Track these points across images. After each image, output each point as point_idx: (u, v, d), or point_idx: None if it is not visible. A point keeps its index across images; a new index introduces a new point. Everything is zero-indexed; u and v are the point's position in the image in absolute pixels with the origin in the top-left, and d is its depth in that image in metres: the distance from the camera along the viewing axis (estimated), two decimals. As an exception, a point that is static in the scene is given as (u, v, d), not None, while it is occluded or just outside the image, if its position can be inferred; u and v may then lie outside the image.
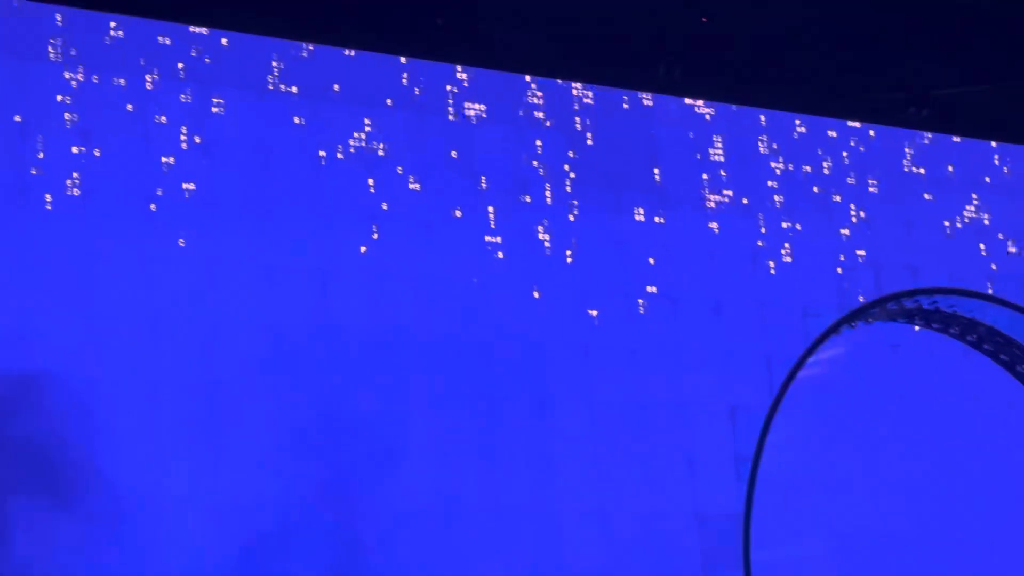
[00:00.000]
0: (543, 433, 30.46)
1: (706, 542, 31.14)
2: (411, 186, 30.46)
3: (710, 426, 32.14)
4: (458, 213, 30.59)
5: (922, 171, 36.29)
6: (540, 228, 31.66)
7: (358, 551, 28.04)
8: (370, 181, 29.93)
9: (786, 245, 34.74)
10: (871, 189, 35.45)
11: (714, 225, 33.75)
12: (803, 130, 35.01)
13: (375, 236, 29.73)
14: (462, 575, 28.79)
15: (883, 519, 33.86)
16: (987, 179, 36.89)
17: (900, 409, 34.86)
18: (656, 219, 32.71)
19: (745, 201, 33.90)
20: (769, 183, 34.36)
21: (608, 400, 31.24)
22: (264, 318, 28.42)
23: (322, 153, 29.38)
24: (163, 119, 27.83)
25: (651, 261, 32.41)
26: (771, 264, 33.81)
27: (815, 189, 34.69)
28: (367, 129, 30.17)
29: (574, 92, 32.30)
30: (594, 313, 31.75)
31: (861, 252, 34.79)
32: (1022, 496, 35.46)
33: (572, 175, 32.15)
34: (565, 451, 30.65)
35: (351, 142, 29.88)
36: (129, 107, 27.41)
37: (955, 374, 36.09)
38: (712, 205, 33.60)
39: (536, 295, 31.18)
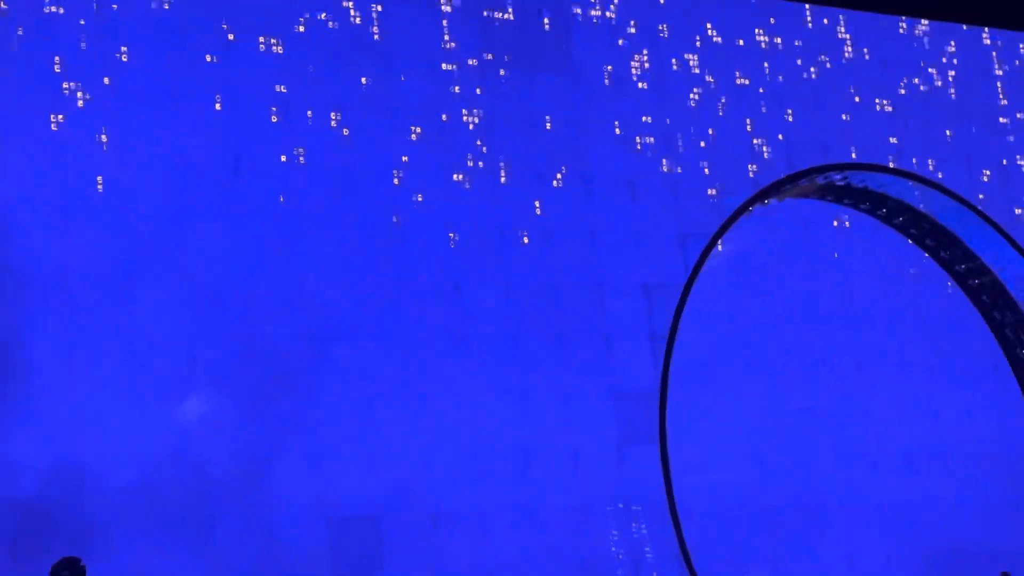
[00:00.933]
0: (458, 315, 30.66)
1: (623, 418, 31.60)
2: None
3: (626, 305, 32.43)
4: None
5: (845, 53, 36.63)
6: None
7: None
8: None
9: (693, 127, 34.98)
10: (779, 75, 35.66)
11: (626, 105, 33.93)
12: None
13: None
14: (388, 457, 29.17)
15: (796, 392, 34.50)
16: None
17: (813, 284, 35.34)
18: (568, 97, 32.87)
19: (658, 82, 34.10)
20: (677, 63, 34.51)
21: (523, 280, 31.42)
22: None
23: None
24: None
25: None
26: (680, 144, 34.02)
27: (736, 73, 34.88)
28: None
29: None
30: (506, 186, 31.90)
31: (776, 132, 35.11)
32: (929, 363, 36.31)
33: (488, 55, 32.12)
34: (481, 333, 30.88)
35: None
36: None
37: (867, 249, 36.59)
38: (624, 85, 33.74)
39: (457, 178, 31.21)
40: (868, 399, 35.36)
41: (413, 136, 30.98)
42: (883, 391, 35.36)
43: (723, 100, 34.46)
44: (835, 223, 36.31)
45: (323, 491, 28.43)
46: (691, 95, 34.19)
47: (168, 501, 26.91)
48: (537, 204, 31.85)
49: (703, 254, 32.97)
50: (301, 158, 29.75)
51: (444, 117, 31.43)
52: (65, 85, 27.94)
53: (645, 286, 32.46)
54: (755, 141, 34.66)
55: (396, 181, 30.68)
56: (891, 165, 35.92)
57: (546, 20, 33.03)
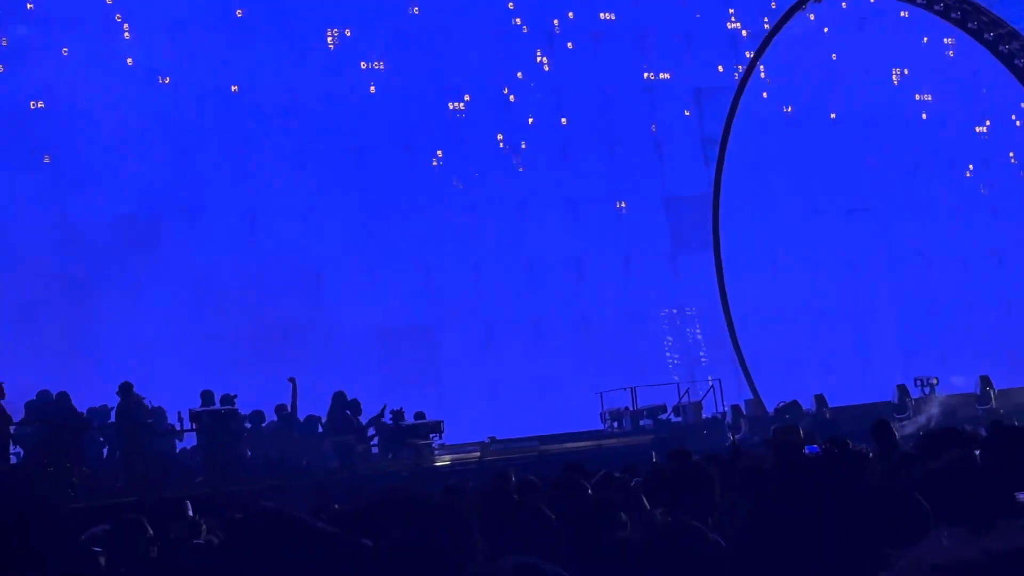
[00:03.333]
0: (509, 124, 30.38)
1: (675, 223, 31.42)
2: None
3: (676, 110, 31.95)
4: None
5: None
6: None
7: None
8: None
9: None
10: None
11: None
12: None
13: None
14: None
15: (851, 193, 34.04)
16: None
17: (869, 84, 34.55)
18: None
19: None
20: None
21: (574, 86, 30.99)
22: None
23: None
24: None
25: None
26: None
27: None
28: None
29: None
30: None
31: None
32: (988, 161, 35.70)
33: None
34: (531, 141, 30.66)
35: None
36: None
37: (928, 47, 35.59)
38: None
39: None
40: (920, 199, 34.90)
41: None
42: (937, 193, 34.88)
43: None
44: (893, 20, 35.29)
45: (378, 302, 28.64)
46: None
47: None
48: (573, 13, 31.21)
49: (756, 54, 32.21)
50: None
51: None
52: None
53: (697, 90, 31.92)
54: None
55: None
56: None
57: None
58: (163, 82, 28.25)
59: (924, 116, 34.96)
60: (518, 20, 31.04)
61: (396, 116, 29.72)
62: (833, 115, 34.02)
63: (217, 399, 20.28)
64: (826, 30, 34.19)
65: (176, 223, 28.11)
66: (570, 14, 31.29)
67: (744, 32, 32.89)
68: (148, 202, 27.60)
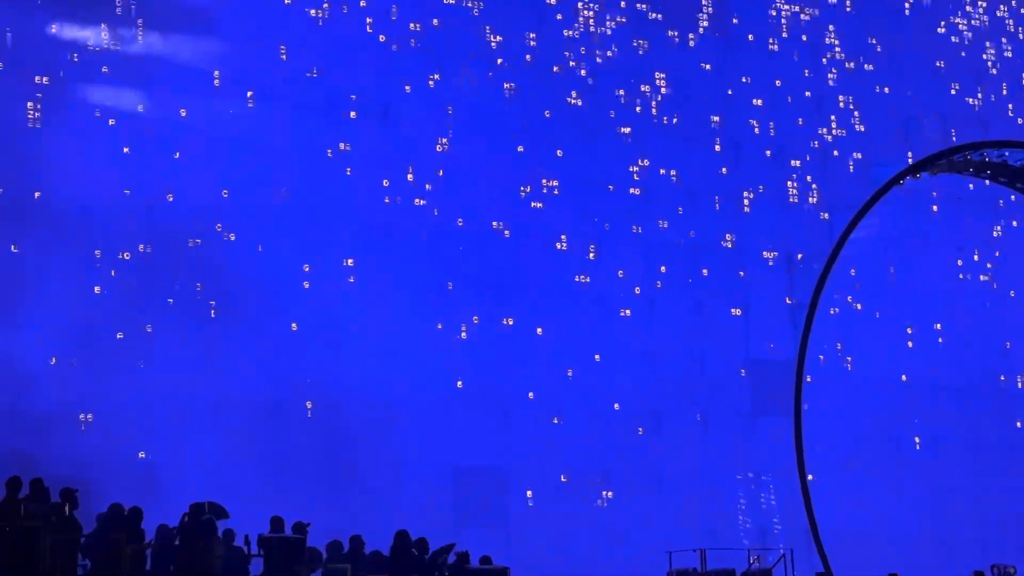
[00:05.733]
0: (597, 276, 30.52)
1: (756, 386, 31.19)
2: None
3: (766, 274, 31.93)
4: None
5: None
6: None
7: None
8: None
9: (849, 98, 34.20)
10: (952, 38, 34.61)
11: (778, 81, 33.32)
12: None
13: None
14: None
15: (934, 366, 33.67)
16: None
17: (959, 263, 34.38)
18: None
19: (805, 38, 33.39)
20: (828, 38, 33.74)
21: (662, 241, 31.14)
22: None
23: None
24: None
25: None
26: (832, 118, 33.26)
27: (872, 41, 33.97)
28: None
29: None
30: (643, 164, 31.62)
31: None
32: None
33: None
34: (621, 294, 30.74)
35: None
36: None
37: (1019, 230, 35.45)
38: (775, 48, 33.12)
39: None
40: (1004, 384, 34.48)
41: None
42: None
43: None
44: (987, 200, 35.25)
45: (454, 441, 28.69)
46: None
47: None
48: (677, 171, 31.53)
49: (850, 225, 32.26)
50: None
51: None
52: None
53: (789, 255, 31.92)
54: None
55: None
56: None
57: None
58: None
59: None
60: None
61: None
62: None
63: (288, 527, 20.14)
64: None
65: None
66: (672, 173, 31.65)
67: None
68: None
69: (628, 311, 30.87)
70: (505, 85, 30.70)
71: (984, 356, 34.27)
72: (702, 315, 31.32)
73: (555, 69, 31.08)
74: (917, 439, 33.38)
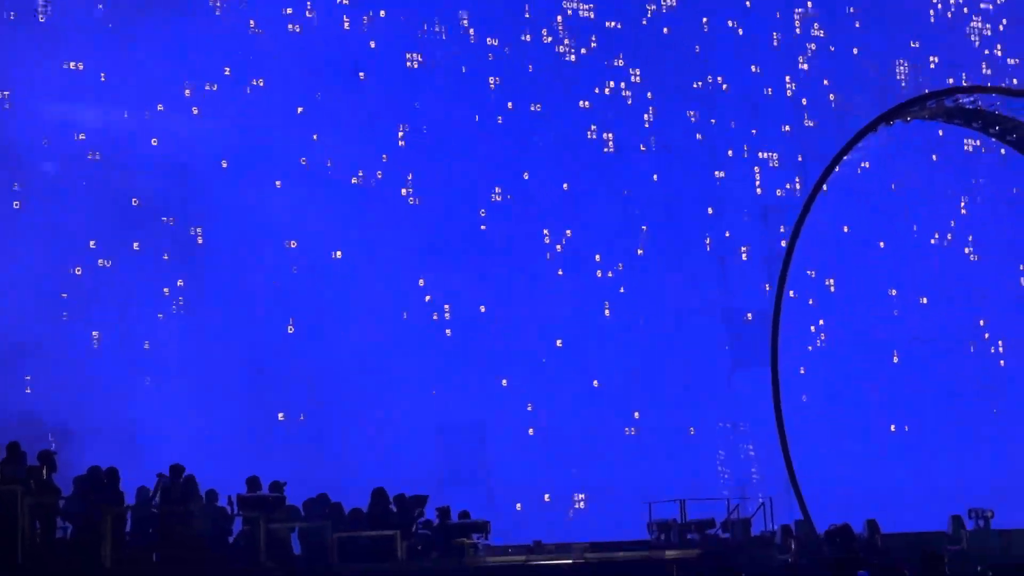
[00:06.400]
0: (573, 228, 30.53)
1: (735, 338, 31.32)
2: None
3: (741, 224, 31.99)
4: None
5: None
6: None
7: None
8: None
9: (812, 46, 34.06)
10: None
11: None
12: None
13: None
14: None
15: (909, 319, 33.83)
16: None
17: (934, 210, 34.48)
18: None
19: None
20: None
21: (637, 195, 31.16)
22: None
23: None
24: None
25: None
26: (802, 61, 33.19)
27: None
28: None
29: None
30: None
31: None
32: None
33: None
34: (606, 252, 30.81)
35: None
36: None
37: (992, 176, 35.52)
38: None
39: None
40: (978, 330, 34.69)
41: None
42: (1004, 323, 34.63)
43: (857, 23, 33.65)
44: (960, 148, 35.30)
45: (435, 397, 28.74)
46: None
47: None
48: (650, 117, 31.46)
49: (824, 173, 32.21)
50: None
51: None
52: None
53: (764, 207, 31.98)
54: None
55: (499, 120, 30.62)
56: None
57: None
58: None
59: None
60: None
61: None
62: (882, 244, 33.89)
63: (265, 486, 20.13)
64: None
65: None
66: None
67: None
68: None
69: (610, 273, 30.97)
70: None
71: (962, 309, 34.41)
72: (681, 270, 31.38)
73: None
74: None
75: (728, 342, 31.35)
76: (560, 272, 30.57)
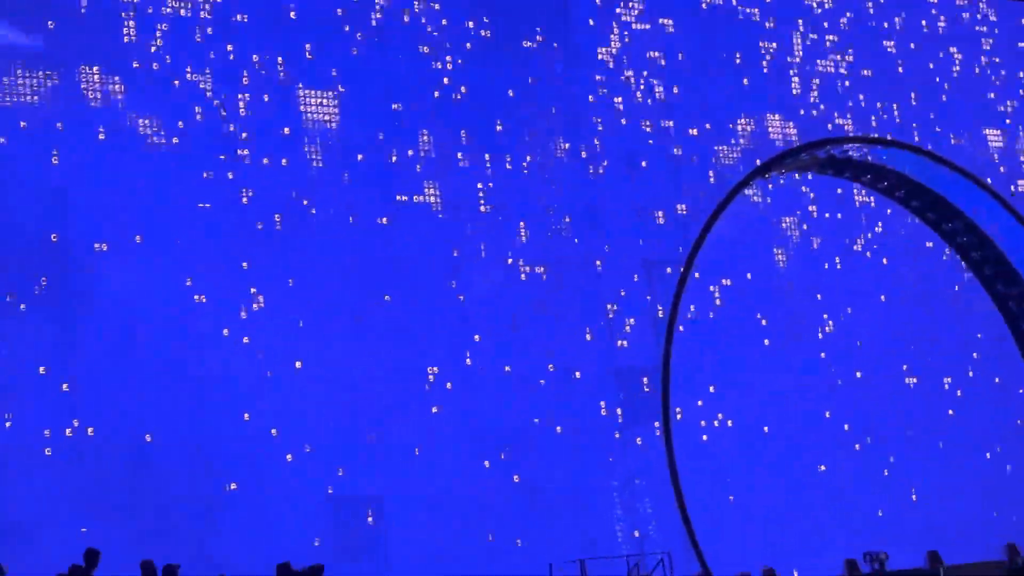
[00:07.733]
0: (457, 292, 30.53)
1: (627, 394, 31.46)
2: None
3: (627, 283, 32.12)
4: None
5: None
6: None
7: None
8: None
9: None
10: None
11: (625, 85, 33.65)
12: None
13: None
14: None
15: (799, 365, 34.30)
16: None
17: (816, 259, 35.12)
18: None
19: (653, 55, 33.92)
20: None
21: (525, 255, 31.27)
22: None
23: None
24: None
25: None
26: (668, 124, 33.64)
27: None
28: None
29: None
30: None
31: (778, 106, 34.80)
32: (936, 338, 36.23)
33: None
34: (481, 311, 30.74)
35: None
36: None
37: (869, 223, 36.31)
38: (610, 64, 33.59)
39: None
40: (873, 376, 35.22)
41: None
42: (888, 367, 35.22)
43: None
44: (834, 198, 36.00)
45: (324, 472, 28.31)
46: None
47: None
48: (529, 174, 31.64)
49: (704, 229, 32.73)
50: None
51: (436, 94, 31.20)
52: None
53: (646, 261, 32.22)
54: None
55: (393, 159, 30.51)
56: (890, 138, 35.66)
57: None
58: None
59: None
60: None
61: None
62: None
63: (159, 570, 19.71)
64: (769, 200, 34.86)
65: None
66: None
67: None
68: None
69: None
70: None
71: (843, 343, 34.94)
72: (569, 327, 31.38)
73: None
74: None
75: (621, 399, 31.42)
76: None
